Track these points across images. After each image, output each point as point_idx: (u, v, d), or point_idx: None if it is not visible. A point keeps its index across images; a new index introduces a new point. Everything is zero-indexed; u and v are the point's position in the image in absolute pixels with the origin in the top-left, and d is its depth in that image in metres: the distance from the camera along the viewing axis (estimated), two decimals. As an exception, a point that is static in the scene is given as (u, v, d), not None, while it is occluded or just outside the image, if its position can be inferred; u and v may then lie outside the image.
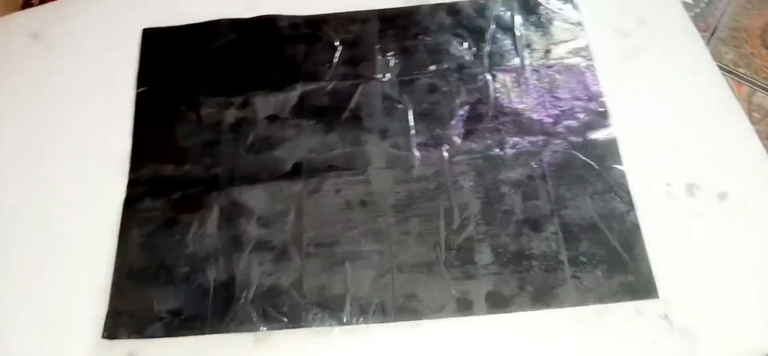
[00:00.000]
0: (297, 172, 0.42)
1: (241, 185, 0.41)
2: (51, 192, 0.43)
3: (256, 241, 0.40)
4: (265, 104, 0.44)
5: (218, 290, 0.38)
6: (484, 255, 0.39)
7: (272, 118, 0.44)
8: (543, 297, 0.38)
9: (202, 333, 0.37)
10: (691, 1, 0.72)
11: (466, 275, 0.38)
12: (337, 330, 0.37)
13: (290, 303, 0.38)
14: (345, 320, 0.37)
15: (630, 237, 0.39)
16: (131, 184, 0.42)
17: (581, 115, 0.44)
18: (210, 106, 0.44)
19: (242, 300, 0.38)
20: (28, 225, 0.41)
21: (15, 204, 0.42)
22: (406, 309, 0.37)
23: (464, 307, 0.37)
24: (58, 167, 0.43)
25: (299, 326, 0.37)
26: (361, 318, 0.37)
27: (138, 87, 0.46)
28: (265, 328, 0.37)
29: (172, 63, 0.47)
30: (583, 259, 0.39)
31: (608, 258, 0.38)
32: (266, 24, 0.48)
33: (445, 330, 0.37)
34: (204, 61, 0.46)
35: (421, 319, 0.37)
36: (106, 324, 0.37)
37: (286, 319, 0.37)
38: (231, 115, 0.44)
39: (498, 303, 0.37)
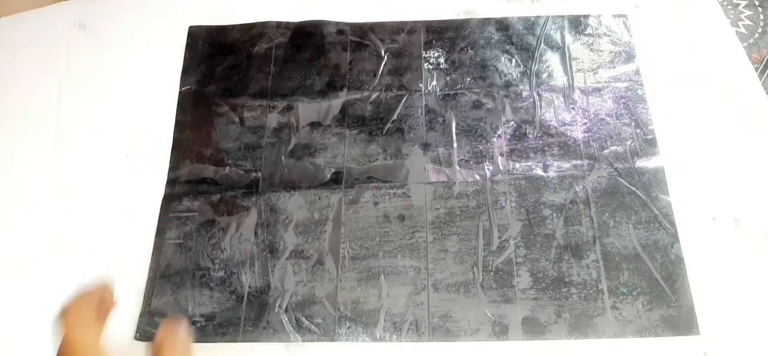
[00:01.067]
0: (336, 181, 0.42)
1: (280, 191, 0.41)
2: (90, 185, 0.43)
3: (293, 249, 0.40)
4: (307, 110, 0.44)
5: (252, 297, 0.38)
6: (523, 279, 0.38)
7: (314, 125, 0.44)
8: (581, 326, 0.37)
9: (235, 340, 0.37)
10: (745, 31, 0.70)
11: (503, 298, 0.38)
12: (370, 346, 0.37)
13: (324, 315, 0.38)
14: (378, 336, 0.37)
15: (673, 271, 0.38)
16: (170, 184, 0.42)
17: (628, 141, 0.43)
18: (252, 109, 0.44)
19: (276, 309, 0.38)
20: (66, 218, 0.42)
21: (53, 195, 0.43)
22: (440, 329, 0.37)
23: (500, 332, 0.37)
24: (98, 161, 0.44)
25: (332, 339, 0.37)
26: (395, 336, 0.37)
27: (181, 85, 0.46)
28: (298, 339, 0.37)
29: (216, 62, 0.46)
30: (624, 290, 0.38)
31: (649, 291, 0.38)
32: (313, 28, 0.47)
33: (478, 354, 0.37)
34: (248, 62, 0.46)
35: (455, 341, 0.37)
36: (139, 325, 0.38)
37: (318, 331, 0.37)
38: (273, 119, 0.44)
39: (534, 329, 0.37)
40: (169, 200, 0.42)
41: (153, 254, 0.40)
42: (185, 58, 0.47)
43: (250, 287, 0.38)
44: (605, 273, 0.38)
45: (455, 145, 0.43)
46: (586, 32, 0.47)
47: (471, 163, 0.42)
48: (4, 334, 0.38)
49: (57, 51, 0.49)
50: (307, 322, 0.37)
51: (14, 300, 0.39)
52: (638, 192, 0.41)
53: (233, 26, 0.48)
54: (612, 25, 0.48)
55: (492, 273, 0.39)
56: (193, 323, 0.37)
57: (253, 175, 0.42)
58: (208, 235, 0.40)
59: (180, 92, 0.46)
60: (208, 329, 0.37)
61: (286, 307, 0.38)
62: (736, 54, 0.46)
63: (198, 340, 0.37)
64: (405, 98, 0.44)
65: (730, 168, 0.42)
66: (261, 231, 0.40)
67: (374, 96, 0.45)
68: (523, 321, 0.37)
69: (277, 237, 0.40)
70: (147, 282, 0.39)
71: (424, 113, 0.44)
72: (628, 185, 0.41)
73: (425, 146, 0.43)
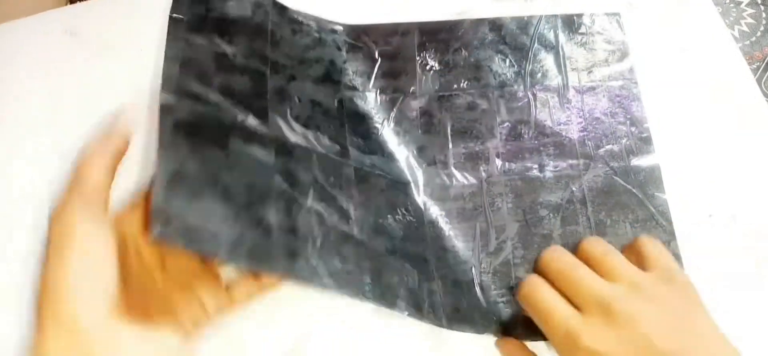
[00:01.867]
0: (343, 155, 0.40)
1: (298, 137, 0.39)
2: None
3: (318, 197, 0.37)
4: (307, 88, 0.42)
5: (282, 232, 0.35)
6: (521, 280, 0.38)
7: (315, 103, 0.42)
8: None
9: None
10: (748, 30, 0.71)
11: (502, 300, 0.38)
12: (396, 315, 0.36)
13: (351, 273, 0.36)
14: (403, 307, 0.36)
15: None
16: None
17: (624, 140, 0.43)
18: (252, 62, 0.40)
19: (309, 250, 0.35)
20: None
21: (51, 206, 0.42)
22: (454, 319, 0.37)
23: (502, 332, 0.37)
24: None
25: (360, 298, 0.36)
26: (417, 314, 0.37)
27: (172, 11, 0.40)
28: (331, 286, 0.34)
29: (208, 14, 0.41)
30: None
31: None
32: (304, 19, 0.46)
33: (483, 352, 0.37)
34: (243, 25, 0.42)
35: (469, 332, 0.37)
36: (154, 222, 0.30)
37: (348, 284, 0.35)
38: (275, 80, 0.41)
39: (535, 329, 0.37)
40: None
41: (160, 149, 0.34)
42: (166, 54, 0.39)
43: (278, 223, 0.35)
44: None
45: (451, 147, 0.43)
46: (579, 31, 0.47)
47: (467, 164, 0.42)
48: (5, 345, 0.38)
49: (48, 59, 0.48)
50: (340, 264, 0.35)
51: (11, 314, 0.39)
52: (634, 190, 0.41)
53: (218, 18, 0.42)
54: (605, 23, 0.48)
55: (490, 275, 0.39)
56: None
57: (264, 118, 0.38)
58: (224, 152, 0.36)
59: (171, 18, 0.39)
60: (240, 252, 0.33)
61: (318, 251, 0.35)
62: (731, 52, 0.46)
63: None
64: (400, 101, 0.44)
65: (725, 165, 0.42)
66: (282, 169, 0.37)
67: (369, 98, 0.44)
68: (523, 321, 0.37)
69: (300, 181, 0.37)
70: (155, 180, 0.34)
71: (419, 116, 0.44)
72: (624, 184, 0.41)
73: (421, 149, 0.43)
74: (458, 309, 0.37)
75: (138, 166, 0.43)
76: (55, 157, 0.44)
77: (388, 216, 0.39)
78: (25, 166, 0.44)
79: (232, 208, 0.34)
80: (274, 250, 0.34)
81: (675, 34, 0.47)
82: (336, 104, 0.43)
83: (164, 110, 0.35)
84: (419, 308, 0.37)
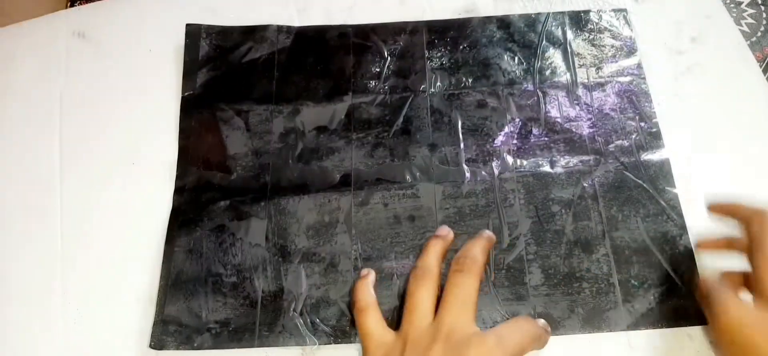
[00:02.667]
0: (345, 183, 0.42)
1: (290, 195, 0.41)
2: (96, 197, 0.43)
3: (305, 252, 0.40)
4: (313, 114, 0.44)
5: (267, 301, 0.38)
6: (535, 276, 0.39)
7: (321, 129, 0.44)
8: (594, 320, 0.37)
9: (251, 345, 0.37)
10: (748, 30, 0.71)
11: (515, 296, 0.38)
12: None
13: (338, 317, 0.38)
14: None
15: (682, 262, 0.39)
16: (178, 192, 0.42)
17: (634, 135, 0.43)
18: (257, 114, 0.44)
19: (291, 313, 0.38)
20: (72, 230, 0.41)
21: (59, 208, 0.42)
22: None
23: None
24: (103, 172, 0.43)
25: (348, 341, 0.37)
26: None
27: (183, 90, 0.45)
28: (314, 342, 0.37)
29: (216, 66, 0.46)
30: (635, 283, 0.38)
31: (660, 283, 0.38)
32: (315, 33, 0.47)
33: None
34: (250, 66, 0.46)
35: None
36: (153, 333, 0.37)
37: (334, 333, 0.37)
38: (279, 123, 0.44)
39: (549, 324, 0.37)
40: (177, 208, 0.41)
41: (163, 262, 0.39)
42: (185, 62, 0.46)
43: (263, 291, 0.38)
44: (616, 267, 0.39)
45: (462, 144, 0.43)
46: (587, 28, 0.48)
47: (478, 161, 0.42)
48: (10, 349, 0.38)
49: (57, 60, 0.48)
50: (322, 325, 0.37)
51: (19, 314, 0.39)
52: (645, 185, 0.41)
53: (233, 28, 0.47)
54: (612, 19, 0.48)
55: (504, 272, 0.39)
56: (208, 330, 0.37)
57: (262, 180, 0.42)
58: (218, 241, 0.40)
59: (182, 97, 0.45)
60: (224, 335, 0.37)
61: (301, 311, 0.38)
62: (740, 48, 0.46)
63: (213, 347, 0.37)
64: (410, 100, 0.44)
65: (735, 159, 0.42)
66: (272, 235, 0.40)
67: (379, 99, 0.45)
68: (537, 317, 0.37)
69: (289, 241, 0.40)
70: (159, 291, 0.39)
71: (429, 114, 0.44)
72: (634, 179, 0.41)
73: (432, 147, 0.43)
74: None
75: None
76: (61, 156, 0.44)
77: (388, 239, 0.40)
78: (32, 165, 0.44)
79: (222, 294, 0.38)
80: (259, 320, 0.37)
81: (682, 27, 0.47)
82: (344, 117, 0.44)
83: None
84: None
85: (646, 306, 0.37)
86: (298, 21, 0.48)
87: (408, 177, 0.42)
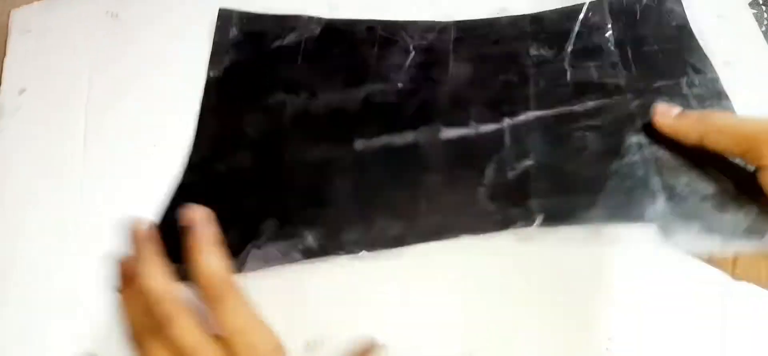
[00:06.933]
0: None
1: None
2: (118, 177, 0.43)
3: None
4: (330, 99, 0.44)
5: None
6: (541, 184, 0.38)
7: (337, 111, 0.43)
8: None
9: None
10: None
11: (513, 204, 0.37)
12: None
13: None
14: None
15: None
16: (190, 169, 0.41)
17: (685, 79, 0.42)
18: (277, 98, 0.44)
19: None
20: (94, 207, 0.42)
21: (82, 186, 0.43)
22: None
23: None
24: (126, 151, 0.44)
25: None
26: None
27: (209, 71, 0.45)
28: None
29: (244, 50, 0.46)
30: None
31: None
32: (343, 26, 0.47)
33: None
34: (277, 52, 0.46)
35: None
36: None
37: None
38: (297, 108, 0.43)
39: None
40: (188, 184, 0.41)
41: None
42: (214, 43, 0.46)
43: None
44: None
45: (475, 110, 0.42)
46: (630, 12, 0.46)
47: (492, 120, 0.41)
48: (28, 331, 0.38)
49: (88, 39, 0.49)
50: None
51: (39, 295, 0.39)
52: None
53: (264, 15, 0.48)
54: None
55: (504, 187, 0.38)
56: None
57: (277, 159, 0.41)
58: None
59: (208, 77, 0.45)
60: None
61: None
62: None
63: None
64: (429, 86, 0.44)
65: None
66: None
67: (399, 86, 0.44)
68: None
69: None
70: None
71: (448, 97, 0.43)
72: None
73: (445, 118, 0.42)
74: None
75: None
76: (91, 133, 0.45)
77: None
78: (63, 141, 0.44)
79: None
80: None
81: (717, 49, 0.47)
82: (360, 104, 0.43)
83: None
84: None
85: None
86: (328, 14, 0.48)
87: (416, 146, 0.41)
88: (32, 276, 0.40)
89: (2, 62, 0.49)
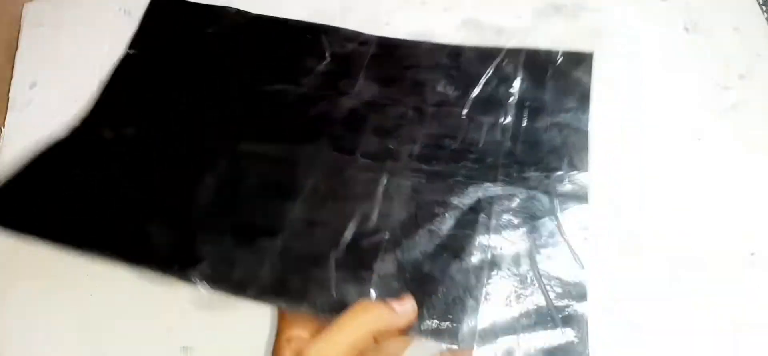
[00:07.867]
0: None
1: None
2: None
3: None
4: (234, 94, 0.44)
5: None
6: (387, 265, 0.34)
7: (235, 108, 0.43)
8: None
9: None
10: None
11: (355, 278, 0.34)
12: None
13: None
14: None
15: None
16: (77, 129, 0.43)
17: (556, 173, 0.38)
18: (184, 83, 0.46)
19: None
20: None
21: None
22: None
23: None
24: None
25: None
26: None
27: (129, 48, 0.48)
28: None
29: (166, 36, 0.49)
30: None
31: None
32: (271, 22, 0.48)
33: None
34: (200, 41, 0.48)
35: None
36: None
37: None
38: (197, 96, 0.44)
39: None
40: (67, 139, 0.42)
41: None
42: (140, 24, 0.49)
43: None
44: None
45: (364, 140, 0.40)
46: (542, 68, 0.43)
47: (376, 157, 0.39)
48: None
49: (100, 35, 0.49)
50: None
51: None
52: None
53: (194, 4, 0.50)
54: (572, 63, 0.43)
55: (351, 255, 0.35)
56: None
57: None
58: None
59: (126, 54, 0.48)
60: None
61: None
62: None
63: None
64: (330, 98, 0.43)
65: None
66: None
67: (302, 91, 0.44)
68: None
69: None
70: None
71: (346, 113, 0.42)
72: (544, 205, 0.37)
73: (334, 137, 0.41)
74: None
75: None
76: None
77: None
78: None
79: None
80: None
81: (733, 60, 0.46)
82: (259, 102, 0.43)
83: None
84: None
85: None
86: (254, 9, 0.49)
87: (299, 159, 0.39)
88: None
89: (14, 56, 0.49)
